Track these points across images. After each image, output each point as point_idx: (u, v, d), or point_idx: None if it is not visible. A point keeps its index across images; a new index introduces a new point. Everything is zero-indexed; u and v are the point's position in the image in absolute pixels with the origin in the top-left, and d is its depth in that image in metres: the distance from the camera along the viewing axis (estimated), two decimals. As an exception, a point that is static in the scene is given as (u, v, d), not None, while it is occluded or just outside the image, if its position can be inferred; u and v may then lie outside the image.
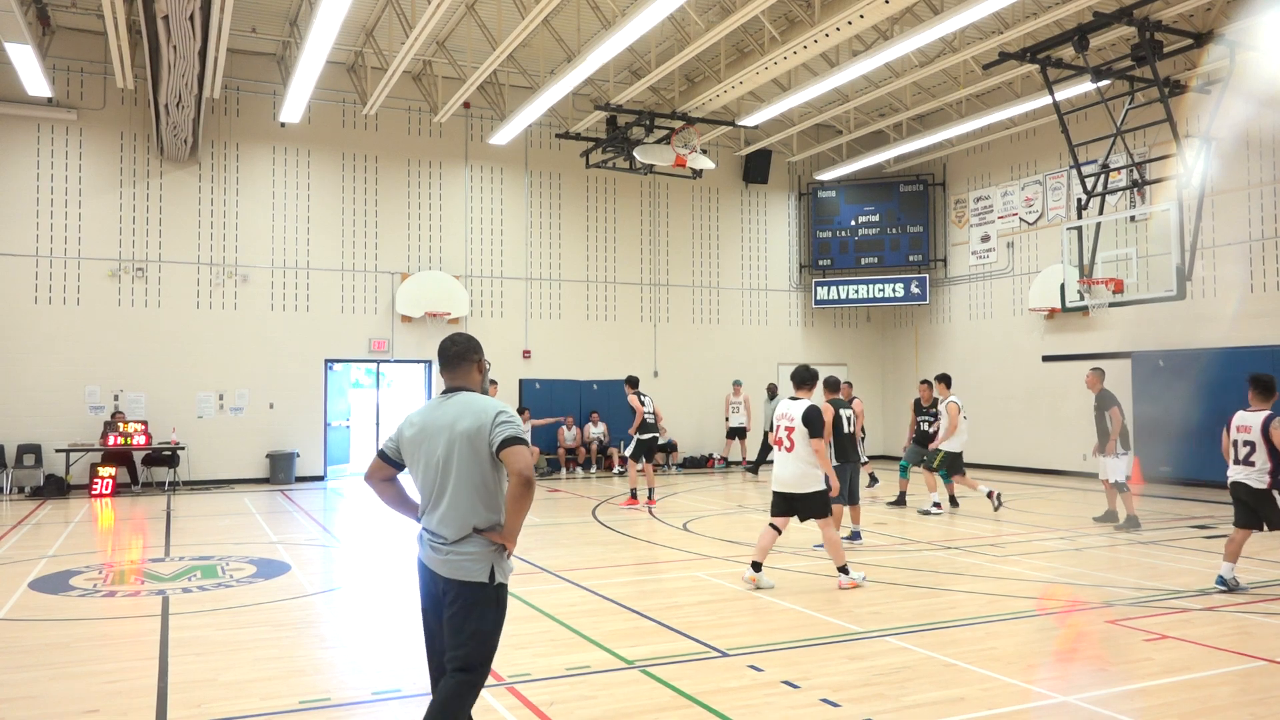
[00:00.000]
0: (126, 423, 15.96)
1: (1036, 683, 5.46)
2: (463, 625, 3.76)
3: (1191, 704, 5.10)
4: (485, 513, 3.79)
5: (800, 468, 7.86)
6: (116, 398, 16.56)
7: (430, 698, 3.93)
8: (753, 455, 20.80)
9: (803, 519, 8.06)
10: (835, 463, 9.89)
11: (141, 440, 15.96)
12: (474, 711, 5.06)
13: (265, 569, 9.13)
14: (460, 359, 3.97)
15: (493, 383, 17.97)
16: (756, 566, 8.07)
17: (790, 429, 7.89)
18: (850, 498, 10.25)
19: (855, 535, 10.37)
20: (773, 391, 19.92)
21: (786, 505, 8.05)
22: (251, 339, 17.53)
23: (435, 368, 3.68)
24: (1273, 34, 13.13)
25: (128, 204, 16.87)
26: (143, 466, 16.51)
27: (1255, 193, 15.56)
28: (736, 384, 20.47)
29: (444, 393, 3.98)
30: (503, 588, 3.84)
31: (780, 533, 8.15)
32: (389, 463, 3.98)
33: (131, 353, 16.68)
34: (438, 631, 3.90)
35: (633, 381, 14.24)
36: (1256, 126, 15.24)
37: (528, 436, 3.89)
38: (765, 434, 19.76)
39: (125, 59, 14.64)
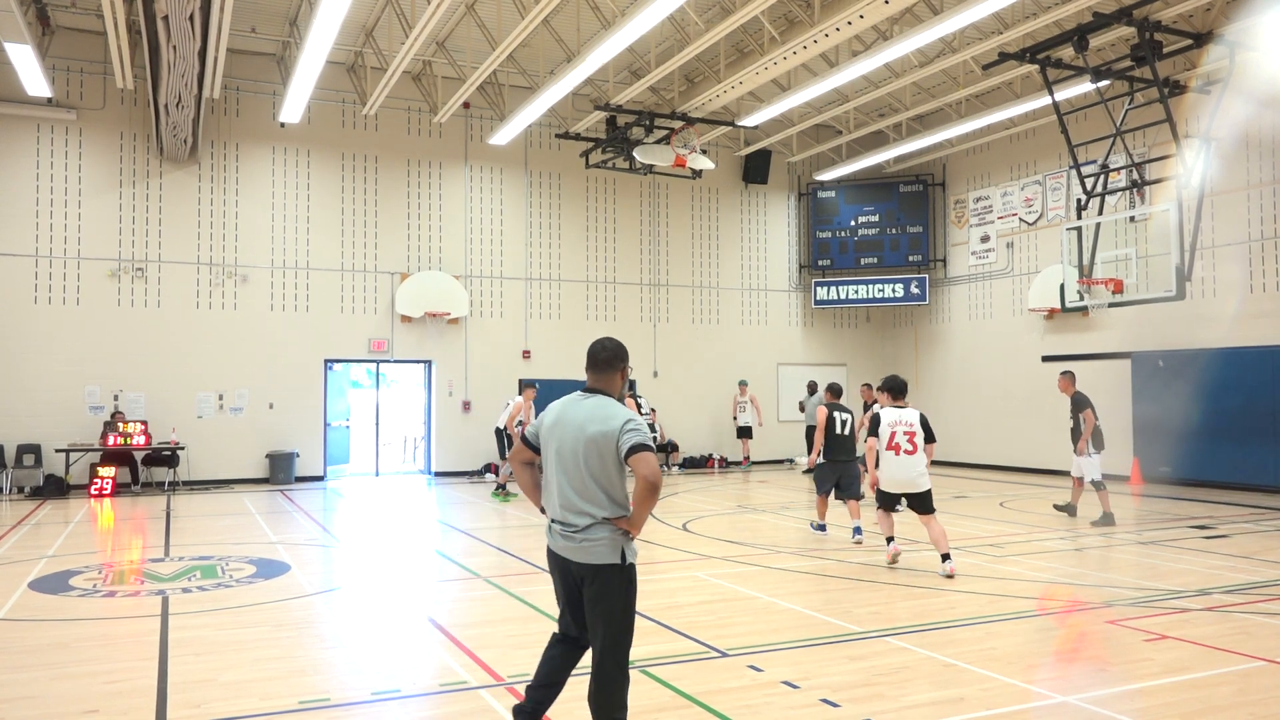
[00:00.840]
0: (126, 423, 15.95)
1: (1036, 683, 5.46)
2: (603, 605, 4.12)
3: (1191, 704, 5.10)
4: (609, 505, 4.12)
5: (919, 469, 8.75)
6: (116, 398, 16.56)
7: (551, 641, 4.41)
8: (757, 455, 20.77)
9: (922, 513, 8.80)
10: (821, 460, 10.92)
11: (141, 440, 15.95)
12: (472, 712, 5.08)
13: (265, 569, 9.13)
14: (609, 365, 4.31)
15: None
16: (889, 540, 9.14)
17: (911, 434, 8.76)
18: (852, 493, 10.74)
19: (857, 530, 10.40)
20: (813, 388, 19.16)
21: (897, 500, 8.96)
22: (251, 339, 17.53)
23: (583, 366, 3.96)
24: (1273, 34, 13.13)
25: (127, 204, 16.87)
26: (142, 466, 16.50)
27: (1255, 193, 15.56)
28: (742, 384, 20.46)
29: (585, 391, 4.31)
30: (633, 567, 4.17)
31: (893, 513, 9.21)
32: (530, 447, 4.37)
33: (131, 353, 16.67)
34: (568, 584, 4.28)
35: (629, 384, 14.09)
36: (1256, 126, 15.24)
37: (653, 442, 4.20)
38: (809, 428, 19.09)
39: (125, 59, 14.63)
